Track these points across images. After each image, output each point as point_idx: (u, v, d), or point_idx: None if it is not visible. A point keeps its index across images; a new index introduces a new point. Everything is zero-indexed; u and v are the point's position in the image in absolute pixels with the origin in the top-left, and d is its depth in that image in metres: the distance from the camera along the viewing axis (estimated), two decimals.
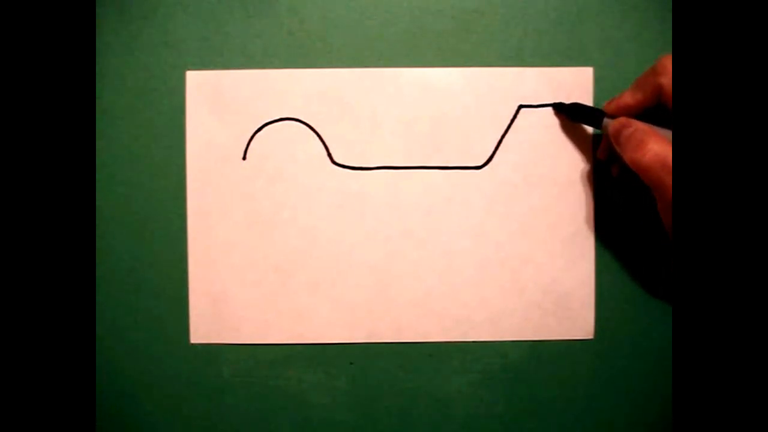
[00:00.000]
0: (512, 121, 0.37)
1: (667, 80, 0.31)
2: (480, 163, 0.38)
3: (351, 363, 0.38)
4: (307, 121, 0.37)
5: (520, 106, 0.37)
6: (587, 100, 0.37)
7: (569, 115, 0.37)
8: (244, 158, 0.37)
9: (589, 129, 0.37)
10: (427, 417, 0.38)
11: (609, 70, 0.37)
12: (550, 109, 0.37)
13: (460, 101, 0.37)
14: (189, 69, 0.37)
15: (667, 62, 0.31)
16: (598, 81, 0.37)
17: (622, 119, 0.33)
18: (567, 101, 0.37)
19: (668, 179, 0.29)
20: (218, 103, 0.37)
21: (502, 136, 0.37)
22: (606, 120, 0.34)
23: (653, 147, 0.30)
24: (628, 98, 0.33)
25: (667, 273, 0.38)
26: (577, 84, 0.37)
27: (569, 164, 0.37)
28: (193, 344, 0.38)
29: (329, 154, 0.38)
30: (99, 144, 0.37)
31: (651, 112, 0.32)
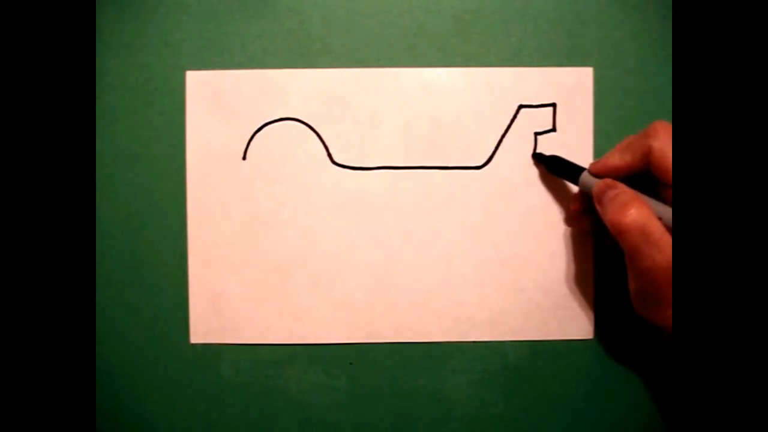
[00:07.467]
0: (512, 121, 0.37)
1: (657, 144, 0.30)
2: (480, 163, 0.38)
3: (351, 363, 0.38)
4: (307, 121, 0.37)
5: (520, 106, 0.37)
6: (587, 100, 0.37)
7: (548, 165, 0.36)
8: (244, 158, 0.37)
9: (589, 129, 0.37)
10: (427, 417, 0.38)
11: (609, 70, 0.37)
12: (550, 109, 0.37)
13: (460, 101, 0.37)
14: (189, 69, 0.37)
15: (660, 127, 0.31)
16: (598, 81, 0.37)
17: (609, 180, 0.32)
18: (567, 102, 0.37)
19: (644, 247, 0.29)
20: (218, 103, 0.37)
21: (502, 136, 0.37)
22: (587, 177, 0.33)
23: (634, 212, 0.30)
24: (616, 159, 0.32)
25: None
26: (577, 84, 0.37)
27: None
28: (193, 344, 0.38)
29: (329, 154, 0.38)
30: (99, 144, 0.37)
31: (637, 178, 0.32)
